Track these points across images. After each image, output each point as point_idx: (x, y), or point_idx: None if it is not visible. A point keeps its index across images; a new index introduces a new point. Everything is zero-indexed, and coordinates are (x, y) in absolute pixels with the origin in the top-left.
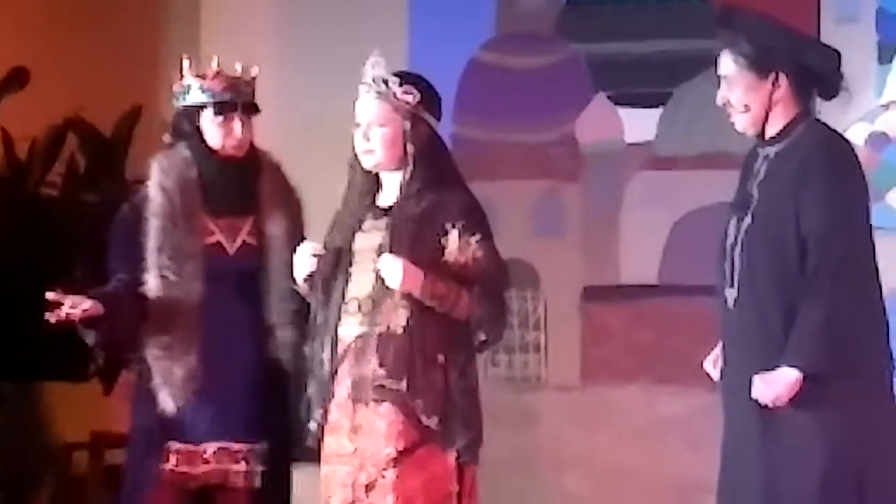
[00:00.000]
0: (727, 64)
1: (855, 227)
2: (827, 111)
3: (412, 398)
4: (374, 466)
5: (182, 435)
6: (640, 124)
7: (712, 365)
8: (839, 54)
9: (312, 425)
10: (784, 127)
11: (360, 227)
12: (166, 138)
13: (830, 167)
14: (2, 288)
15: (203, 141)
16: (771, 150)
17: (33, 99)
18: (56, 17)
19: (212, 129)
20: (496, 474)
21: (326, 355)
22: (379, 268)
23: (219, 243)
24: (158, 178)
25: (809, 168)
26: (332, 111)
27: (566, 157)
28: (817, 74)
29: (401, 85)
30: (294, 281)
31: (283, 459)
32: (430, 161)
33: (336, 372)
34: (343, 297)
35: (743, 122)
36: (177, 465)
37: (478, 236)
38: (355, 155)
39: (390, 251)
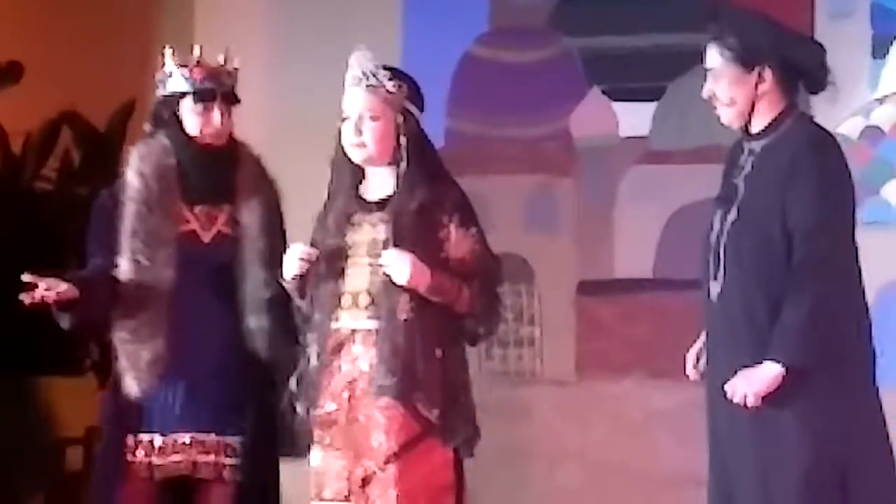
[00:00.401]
0: (713, 57)
1: (841, 223)
2: (821, 106)
3: (412, 391)
4: (372, 460)
5: (151, 425)
6: (634, 118)
7: (694, 359)
8: (824, 49)
9: (299, 419)
10: (770, 121)
11: (349, 222)
12: (146, 127)
13: (819, 163)
14: None
15: (182, 129)
16: (757, 145)
17: (27, 93)
18: (50, 12)
19: (191, 118)
20: (490, 468)
21: (317, 349)
22: (384, 263)
23: (193, 231)
24: (136, 164)
25: (797, 164)
26: (325, 106)
27: (560, 151)
28: (803, 69)
29: (390, 79)
30: (268, 271)
31: (265, 454)
32: (422, 155)
33: (328, 365)
34: (337, 292)
35: (728, 116)
36: (146, 456)
37: (473, 230)
38: (341, 148)
39: (394, 246)
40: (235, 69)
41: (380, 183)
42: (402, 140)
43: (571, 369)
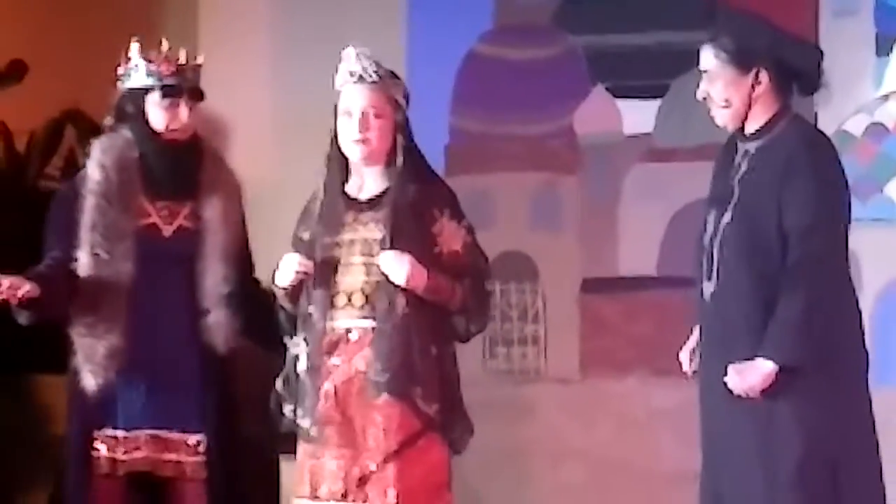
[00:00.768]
0: (708, 59)
1: (836, 223)
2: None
3: (411, 387)
4: (370, 459)
5: (114, 420)
6: (638, 116)
7: (688, 357)
8: (820, 51)
9: (287, 420)
10: (765, 123)
11: (340, 221)
12: (108, 120)
13: (814, 164)
14: None
15: (147, 124)
16: (752, 146)
17: (31, 92)
18: (53, 10)
19: (157, 113)
20: (494, 466)
21: (307, 349)
22: (383, 264)
23: (154, 225)
24: (98, 156)
25: (792, 164)
26: (329, 104)
27: (564, 149)
28: (798, 71)
29: (390, 76)
30: (228, 266)
31: (228, 450)
32: (415, 153)
33: (322, 366)
34: (331, 292)
35: (723, 117)
36: (109, 451)
37: (465, 223)
38: (336, 146)
39: (392, 246)
40: (199, 65)
41: (368, 182)
42: (400, 139)
43: (575, 367)
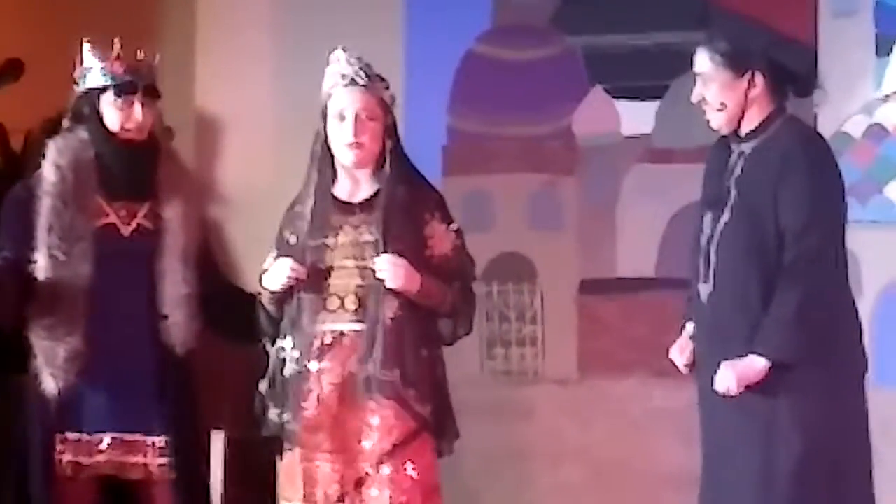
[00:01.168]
0: (703, 61)
1: (831, 222)
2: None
3: (404, 388)
4: (365, 461)
5: (77, 424)
6: (636, 117)
7: (679, 353)
8: (815, 53)
9: (272, 423)
10: (759, 123)
11: (331, 224)
12: (65, 123)
13: (809, 163)
14: None
15: (102, 124)
16: (747, 147)
17: (28, 91)
18: (51, 9)
19: (111, 112)
20: (493, 467)
21: (296, 353)
22: (378, 268)
23: (113, 225)
24: (53, 157)
25: (788, 164)
26: None
27: (563, 149)
28: (793, 73)
29: (380, 80)
30: (187, 266)
31: (190, 451)
32: (403, 156)
33: (313, 369)
34: (322, 295)
35: (718, 120)
36: (72, 456)
37: (454, 226)
38: (325, 148)
39: (384, 249)
40: (153, 63)
41: (357, 184)
42: (389, 143)
43: (574, 368)
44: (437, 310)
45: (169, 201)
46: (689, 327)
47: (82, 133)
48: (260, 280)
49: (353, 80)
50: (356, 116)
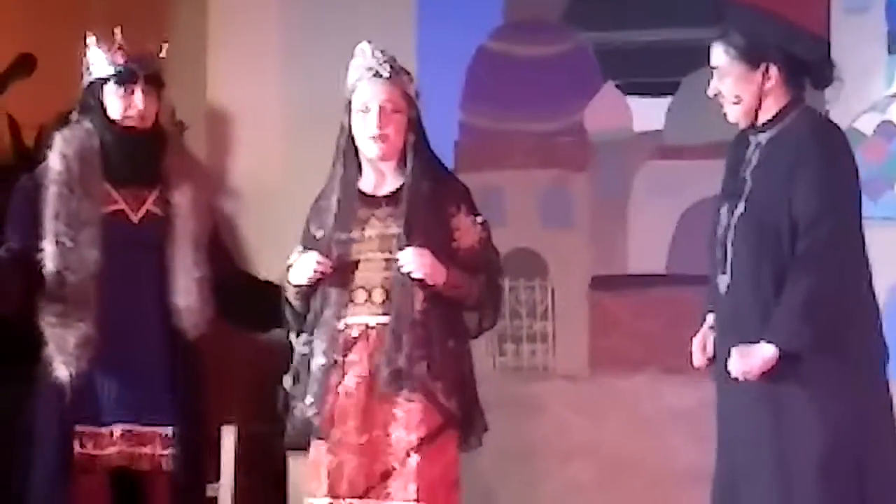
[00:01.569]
0: (718, 55)
1: (845, 212)
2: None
3: (431, 381)
4: (391, 455)
5: (89, 416)
6: (648, 113)
7: (699, 347)
8: (828, 44)
9: (298, 417)
10: (776, 114)
11: (356, 217)
12: (73, 115)
13: (823, 152)
14: None
15: (106, 114)
16: (763, 137)
17: (41, 86)
18: (63, 4)
19: (113, 101)
20: (504, 463)
21: (323, 347)
22: (403, 261)
23: (122, 211)
24: (59, 147)
25: (802, 154)
26: (340, 100)
27: (574, 146)
28: (808, 65)
29: (406, 73)
30: (198, 251)
31: (199, 441)
32: (429, 149)
33: (339, 362)
34: (349, 288)
35: (735, 113)
36: (86, 447)
37: (480, 218)
38: (350, 142)
39: (410, 241)
40: (156, 52)
41: (382, 178)
42: (413, 135)
43: (584, 365)
44: (463, 302)
45: (178, 188)
46: (710, 318)
47: (87, 124)
48: (286, 274)
49: (377, 72)
50: (381, 108)
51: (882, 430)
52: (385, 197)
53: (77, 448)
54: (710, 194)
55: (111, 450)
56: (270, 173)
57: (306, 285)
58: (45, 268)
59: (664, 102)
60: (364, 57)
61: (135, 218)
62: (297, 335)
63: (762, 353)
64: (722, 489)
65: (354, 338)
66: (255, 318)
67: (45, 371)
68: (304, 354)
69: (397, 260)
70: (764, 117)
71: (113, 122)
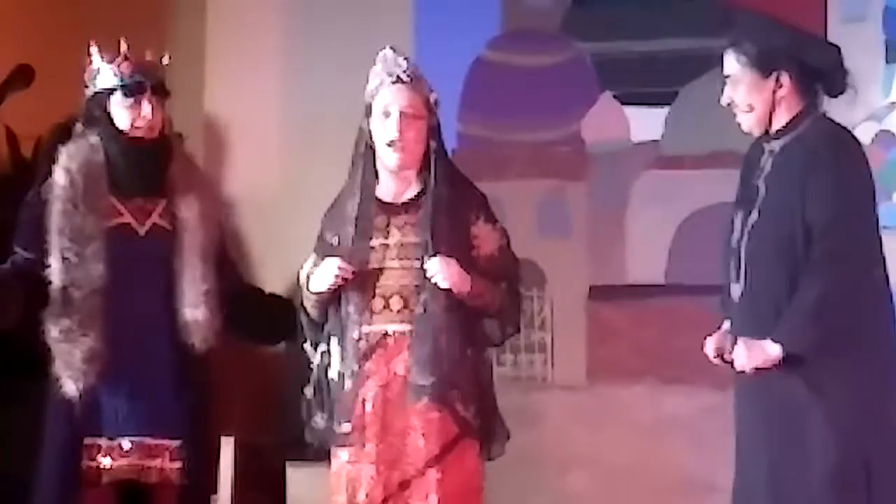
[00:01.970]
0: (731, 63)
1: (858, 216)
2: (834, 110)
3: (450, 391)
4: (410, 465)
5: (98, 429)
6: (646, 123)
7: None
8: (839, 50)
9: (318, 427)
10: (788, 122)
11: (375, 224)
12: (77, 127)
13: (835, 158)
14: None
15: (113, 125)
16: (776, 145)
17: (38, 97)
18: (61, 15)
19: (121, 112)
20: (501, 473)
21: (341, 356)
22: (429, 268)
23: (128, 224)
24: (64, 162)
25: (815, 159)
26: (338, 109)
27: (572, 156)
28: (820, 72)
29: (424, 79)
30: (206, 264)
31: (206, 454)
32: (446, 157)
33: (358, 371)
34: (367, 296)
35: (748, 122)
36: (95, 461)
37: (499, 225)
38: (368, 148)
39: (433, 251)
40: (161, 63)
41: (400, 185)
42: (433, 143)
43: (582, 374)
44: (485, 310)
45: (184, 200)
46: (726, 324)
47: (93, 137)
48: (303, 283)
49: (399, 77)
50: (401, 114)
51: (891, 433)
52: (404, 204)
53: (85, 461)
54: (708, 204)
55: (119, 463)
56: (268, 183)
57: (326, 292)
58: (50, 283)
59: (662, 112)
60: (386, 63)
61: (141, 231)
62: (315, 345)
63: (766, 350)
64: (741, 497)
65: (373, 346)
66: (263, 332)
67: (54, 386)
68: (324, 364)
69: (416, 268)
70: (777, 125)
71: (121, 132)
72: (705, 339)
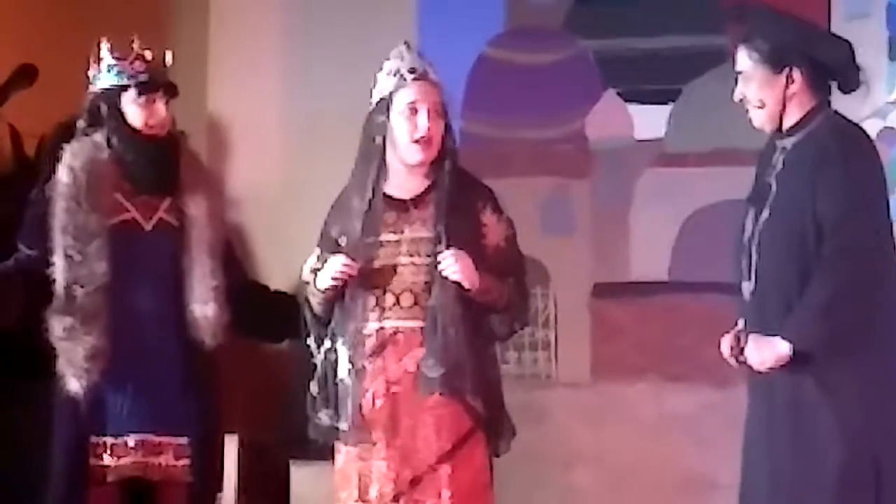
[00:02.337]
0: (743, 59)
1: (870, 214)
2: (838, 107)
3: (462, 384)
4: (420, 461)
5: (103, 427)
6: (649, 121)
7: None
8: (851, 46)
9: (323, 424)
10: (800, 119)
11: (383, 220)
12: (80, 124)
13: (846, 155)
14: None
15: (125, 122)
16: (788, 142)
17: (41, 96)
18: (64, 14)
19: (134, 110)
20: (505, 470)
21: (349, 352)
22: (443, 263)
23: (133, 220)
24: (67, 159)
25: (826, 156)
26: (340, 108)
27: (575, 153)
28: (832, 68)
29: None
30: (215, 260)
31: (214, 451)
32: (457, 153)
33: (367, 368)
34: (377, 293)
35: (760, 118)
36: (101, 459)
37: (505, 216)
38: (380, 143)
39: (447, 245)
40: (166, 62)
41: (410, 181)
42: (451, 142)
43: (586, 372)
44: (493, 306)
45: (192, 197)
46: (741, 323)
47: (97, 136)
48: (307, 279)
49: (425, 73)
50: (428, 110)
51: None
52: (412, 200)
53: (91, 459)
54: (711, 201)
55: (125, 460)
56: (270, 182)
57: (331, 289)
58: (54, 281)
59: (665, 110)
60: (403, 59)
61: (147, 226)
62: (319, 342)
63: (776, 348)
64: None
65: (383, 343)
66: (269, 329)
67: (59, 385)
68: (331, 361)
69: (428, 264)
70: (789, 122)
71: (133, 130)
72: (713, 336)
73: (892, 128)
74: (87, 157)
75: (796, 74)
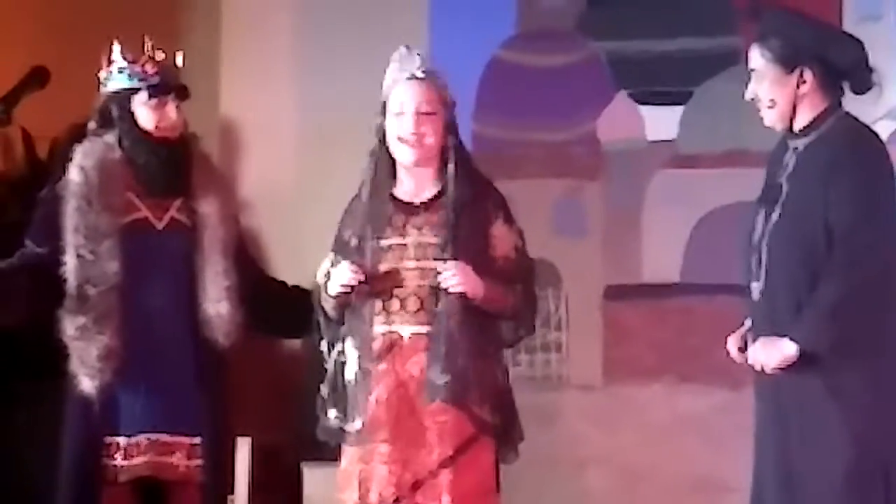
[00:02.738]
0: (756, 58)
1: (880, 219)
2: (850, 108)
3: (466, 391)
4: (422, 465)
5: (116, 427)
6: (661, 122)
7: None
8: (863, 47)
9: (332, 423)
10: (812, 120)
11: (391, 225)
12: (91, 125)
13: (858, 159)
14: None
15: (136, 125)
16: (800, 143)
17: (54, 98)
18: (76, 17)
19: (145, 112)
20: (517, 473)
21: (357, 355)
22: (442, 275)
23: (145, 219)
24: (79, 159)
25: (837, 160)
26: (353, 110)
27: (587, 155)
28: (844, 69)
29: (439, 75)
30: (228, 260)
31: (225, 451)
32: (465, 154)
33: (373, 371)
34: (383, 297)
35: (771, 117)
36: (109, 459)
37: (516, 227)
38: (384, 146)
39: (452, 254)
40: (179, 65)
41: (419, 184)
42: (451, 140)
43: (598, 374)
44: (500, 313)
45: (204, 197)
46: (748, 322)
47: (108, 137)
48: (320, 283)
49: (413, 74)
50: (416, 109)
51: None
52: (422, 204)
53: (103, 459)
54: (723, 203)
55: (137, 460)
56: (283, 184)
57: (341, 295)
58: (66, 281)
59: (677, 111)
60: (401, 60)
61: (159, 225)
62: (331, 344)
63: (783, 349)
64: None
65: (388, 347)
66: (287, 324)
67: (70, 384)
68: (340, 363)
69: (433, 268)
70: (800, 122)
71: (144, 132)
72: (726, 338)
73: None
74: (99, 157)
75: (808, 75)
